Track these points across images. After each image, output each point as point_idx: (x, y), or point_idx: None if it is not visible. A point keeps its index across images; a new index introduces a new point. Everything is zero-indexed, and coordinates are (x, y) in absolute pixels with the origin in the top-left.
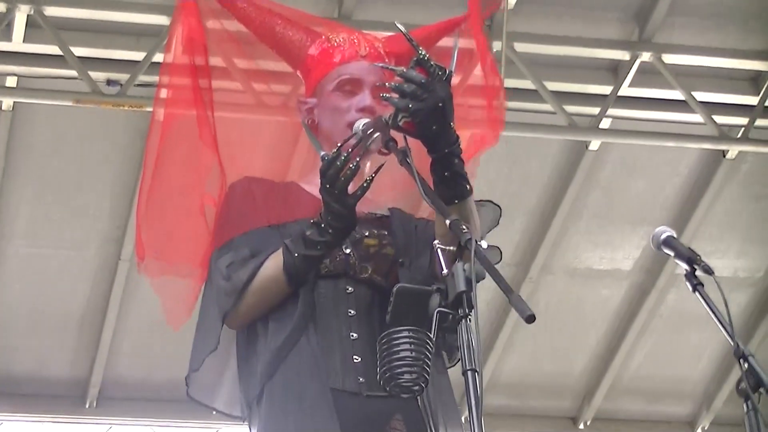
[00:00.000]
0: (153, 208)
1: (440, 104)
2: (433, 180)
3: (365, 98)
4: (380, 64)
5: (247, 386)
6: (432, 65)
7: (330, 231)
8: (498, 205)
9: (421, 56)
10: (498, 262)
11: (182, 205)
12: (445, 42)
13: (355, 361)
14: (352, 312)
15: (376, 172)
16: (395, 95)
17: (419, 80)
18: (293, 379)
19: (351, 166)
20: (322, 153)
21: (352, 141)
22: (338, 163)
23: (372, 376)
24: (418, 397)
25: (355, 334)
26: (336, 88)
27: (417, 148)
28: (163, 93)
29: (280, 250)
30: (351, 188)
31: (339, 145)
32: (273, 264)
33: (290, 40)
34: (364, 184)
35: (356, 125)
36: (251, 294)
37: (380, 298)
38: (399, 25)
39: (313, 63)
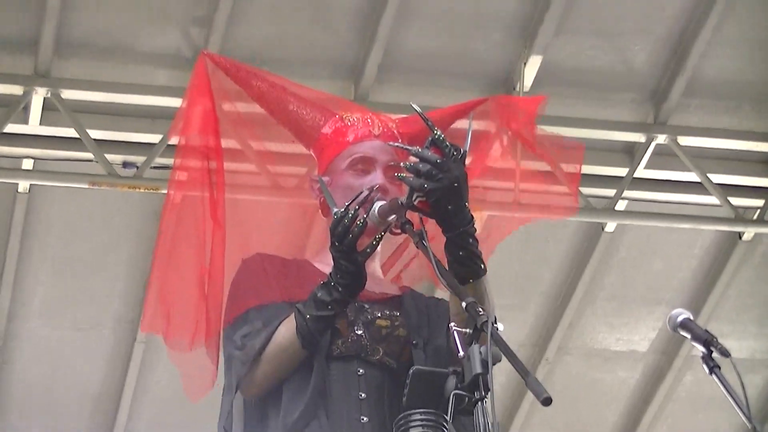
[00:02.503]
0: (169, 285)
1: (455, 184)
2: (447, 259)
3: (377, 177)
4: (394, 144)
5: None
6: (447, 145)
7: (339, 289)
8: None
9: (437, 136)
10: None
11: (190, 280)
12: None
13: None
14: (363, 395)
15: (384, 231)
16: (410, 175)
17: (434, 160)
18: None
19: (358, 222)
20: (335, 210)
21: (361, 197)
22: (346, 220)
23: None
24: None
25: (365, 418)
26: (349, 167)
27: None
28: (176, 175)
29: (293, 315)
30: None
31: (347, 203)
32: (286, 329)
33: (304, 118)
34: (374, 242)
35: (372, 208)
36: (266, 361)
37: (390, 381)
38: (414, 106)
39: (327, 141)
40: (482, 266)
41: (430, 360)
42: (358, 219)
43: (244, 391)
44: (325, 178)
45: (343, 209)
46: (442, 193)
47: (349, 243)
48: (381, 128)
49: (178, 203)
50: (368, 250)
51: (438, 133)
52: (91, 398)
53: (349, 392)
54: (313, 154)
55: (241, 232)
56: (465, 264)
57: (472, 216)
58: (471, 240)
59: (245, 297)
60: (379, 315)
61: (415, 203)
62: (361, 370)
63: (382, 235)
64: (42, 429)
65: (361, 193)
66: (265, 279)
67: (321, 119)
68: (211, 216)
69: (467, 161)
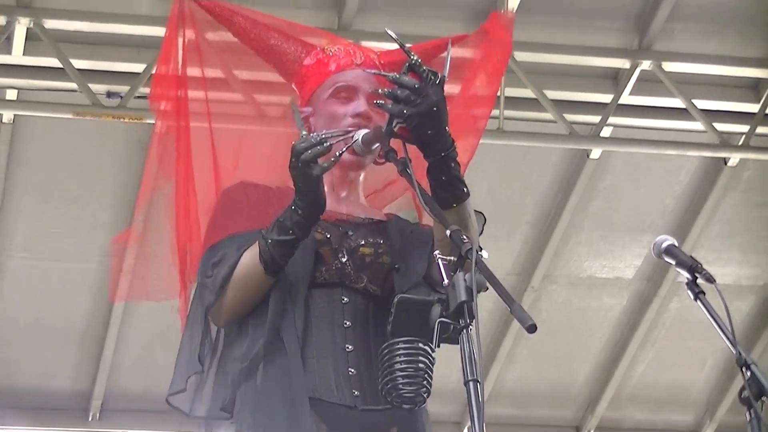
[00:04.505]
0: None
1: (434, 108)
2: (430, 185)
3: (360, 105)
4: (373, 71)
5: (222, 388)
6: (424, 70)
7: (299, 212)
8: (482, 213)
9: (413, 61)
10: (483, 224)
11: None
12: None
13: (350, 373)
14: (348, 323)
15: (344, 150)
16: (389, 102)
17: (412, 85)
18: (272, 388)
19: (323, 144)
20: (304, 133)
21: (339, 134)
22: (312, 140)
23: (367, 388)
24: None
25: (350, 346)
26: (331, 96)
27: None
28: (160, 105)
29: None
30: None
31: (325, 132)
32: (250, 255)
33: (285, 52)
34: (332, 159)
35: (356, 137)
36: (232, 287)
37: (375, 308)
38: (390, 32)
39: (309, 73)
40: (465, 190)
41: (410, 285)
42: (324, 142)
43: (214, 320)
44: (308, 109)
45: (315, 134)
46: (421, 118)
47: (305, 159)
48: (363, 57)
49: (161, 134)
50: (325, 165)
51: (415, 58)
52: (78, 331)
53: (333, 319)
54: (295, 88)
55: (226, 162)
56: (447, 189)
57: (452, 140)
58: (453, 164)
59: (223, 226)
60: (363, 243)
61: (395, 130)
62: (345, 298)
63: (339, 155)
64: (29, 362)
65: (348, 135)
66: (245, 207)
67: (303, 52)
68: (179, 147)
69: (448, 89)
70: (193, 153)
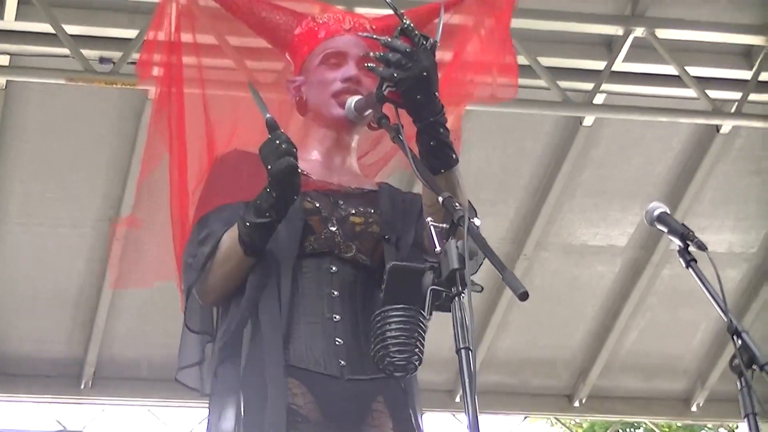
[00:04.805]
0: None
1: (425, 73)
2: (419, 150)
3: (350, 69)
4: (364, 34)
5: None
6: (416, 34)
7: (274, 194)
8: (472, 205)
9: (406, 25)
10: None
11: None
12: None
13: (337, 344)
14: (336, 293)
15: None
16: (380, 65)
17: (403, 49)
18: (251, 364)
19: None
20: (268, 116)
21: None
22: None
23: (353, 359)
24: (400, 380)
25: (337, 316)
26: (321, 62)
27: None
28: (150, 71)
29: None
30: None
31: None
32: (230, 235)
33: (276, 24)
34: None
35: (348, 102)
36: (215, 269)
37: (364, 278)
38: None
39: (300, 42)
40: (454, 156)
41: (400, 255)
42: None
43: (201, 299)
44: (300, 78)
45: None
46: (411, 83)
47: (286, 149)
48: (352, 23)
49: (155, 101)
50: (294, 162)
51: (407, 22)
52: (72, 298)
53: (321, 289)
54: (289, 58)
55: (220, 129)
56: (437, 154)
57: (442, 105)
58: (442, 130)
59: (215, 196)
60: (354, 212)
61: (386, 93)
62: (334, 268)
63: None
64: (22, 330)
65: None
66: (237, 176)
67: (293, 22)
68: (172, 115)
69: (440, 54)
70: (187, 120)
